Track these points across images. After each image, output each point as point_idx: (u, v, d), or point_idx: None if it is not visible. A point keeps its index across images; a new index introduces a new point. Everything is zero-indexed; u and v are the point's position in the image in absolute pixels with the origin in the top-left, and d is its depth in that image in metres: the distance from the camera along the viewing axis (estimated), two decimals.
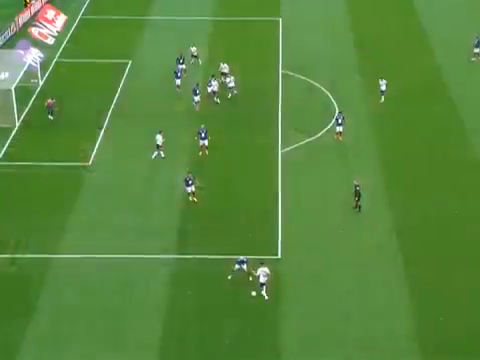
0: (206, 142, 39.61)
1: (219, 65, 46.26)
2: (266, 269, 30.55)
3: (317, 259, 32.85)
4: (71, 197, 36.40)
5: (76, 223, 34.66)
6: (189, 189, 35.65)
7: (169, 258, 32.67)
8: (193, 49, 49.08)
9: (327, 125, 42.18)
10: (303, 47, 51.65)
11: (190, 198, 35.68)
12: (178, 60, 47.06)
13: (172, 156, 39.69)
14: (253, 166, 39.23)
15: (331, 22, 55.40)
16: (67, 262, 32.33)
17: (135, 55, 50.15)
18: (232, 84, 44.66)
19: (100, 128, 39.42)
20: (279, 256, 32.92)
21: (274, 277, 31.51)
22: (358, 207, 35.28)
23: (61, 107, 43.63)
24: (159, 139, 39.20)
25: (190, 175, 35.70)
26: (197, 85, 44.08)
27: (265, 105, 44.83)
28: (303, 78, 47.81)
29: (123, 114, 43.73)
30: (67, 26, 52.13)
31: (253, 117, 43.63)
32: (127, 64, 49.23)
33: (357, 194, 35.11)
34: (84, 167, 38.65)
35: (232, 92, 44.72)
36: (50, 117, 42.54)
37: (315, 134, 41.77)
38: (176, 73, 45.53)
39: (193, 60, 48.73)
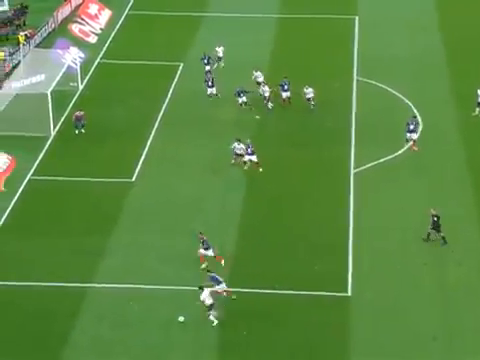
0: (254, 158, 39.83)
1: (253, 73, 46.27)
2: (207, 291, 30.79)
3: (394, 298, 32.51)
4: (111, 217, 36.96)
5: (116, 247, 35.15)
6: (208, 252, 33.44)
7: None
8: (219, 49, 49.15)
9: (409, 141, 41.89)
10: (383, 50, 51.54)
11: (203, 265, 33.44)
12: (202, 61, 47.46)
13: (225, 171, 40.04)
14: (320, 187, 39.18)
15: (416, 20, 55.16)
16: (104, 291, 32.77)
17: (188, 57, 50.78)
18: (311, 95, 44.67)
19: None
20: (349, 293, 32.74)
21: (343, 318, 31.39)
22: (442, 239, 34.87)
23: (103, 115, 44.53)
24: (238, 147, 39.81)
25: (203, 236, 33.72)
26: (242, 89, 44.41)
27: (336, 116, 44.81)
28: (382, 86, 47.64)
29: (173, 123, 44.30)
30: (112, 23, 53.14)
31: (321, 130, 43.63)
32: (178, 67, 49.92)
33: (435, 226, 34.69)
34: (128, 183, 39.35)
35: (310, 104, 44.76)
36: (81, 130, 42.94)
37: (395, 151, 41.55)
38: (207, 81, 45.67)
39: (217, 63, 48.64)
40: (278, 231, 36.18)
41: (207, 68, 47.36)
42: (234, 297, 32.00)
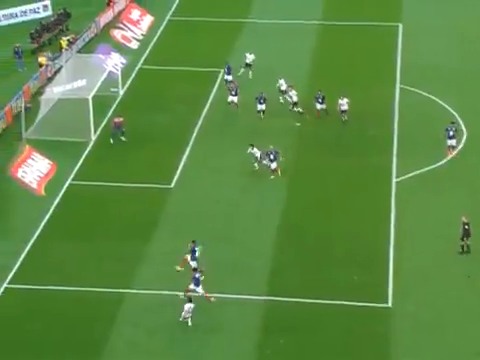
0: (274, 165, 39.70)
1: (277, 81, 45.89)
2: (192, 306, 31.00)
3: (436, 310, 32.08)
4: (150, 223, 37.06)
5: (154, 254, 35.19)
6: (192, 263, 33.11)
7: (259, 299, 32.73)
8: (250, 56, 48.66)
9: (450, 148, 41.39)
10: (427, 58, 51.07)
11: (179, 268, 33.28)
12: (224, 70, 47.34)
13: (264, 179, 39.94)
14: (361, 196, 38.89)
15: (462, 28, 54.56)
16: (142, 298, 32.84)
17: (229, 63, 50.74)
18: (345, 107, 44.02)
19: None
20: (389, 304, 32.40)
21: (383, 329, 31.05)
22: (467, 247, 34.37)
23: (143, 121, 44.75)
24: (253, 152, 40.07)
25: (194, 246, 33.40)
26: (262, 95, 44.29)
27: (377, 125, 44.48)
28: (425, 94, 47.19)
29: (213, 130, 44.32)
30: (153, 28, 53.37)
31: (362, 138, 43.33)
32: (219, 73, 49.98)
33: (466, 234, 34.27)
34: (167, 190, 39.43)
35: (343, 117, 44.17)
36: (121, 138, 42.91)
37: (437, 160, 41.09)
38: (230, 90, 45.46)
39: (244, 70, 48.17)
40: (317, 240, 35.97)
41: (229, 78, 47.24)
42: (213, 299, 32.05)
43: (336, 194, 39.06)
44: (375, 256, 34.94)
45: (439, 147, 41.89)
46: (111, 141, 43.16)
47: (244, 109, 45.70)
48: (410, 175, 40.20)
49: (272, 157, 39.87)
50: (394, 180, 39.93)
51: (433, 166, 40.77)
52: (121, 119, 43.45)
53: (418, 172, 40.36)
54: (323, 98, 44.47)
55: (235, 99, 45.23)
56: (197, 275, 32.25)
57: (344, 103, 44.08)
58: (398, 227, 36.62)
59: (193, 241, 33.71)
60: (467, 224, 34.39)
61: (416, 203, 38.31)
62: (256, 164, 40.24)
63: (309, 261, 34.71)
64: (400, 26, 55.41)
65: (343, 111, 44.24)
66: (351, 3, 59.36)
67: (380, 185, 39.68)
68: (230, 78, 47.37)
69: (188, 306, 31.11)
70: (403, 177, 40.11)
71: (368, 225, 36.85)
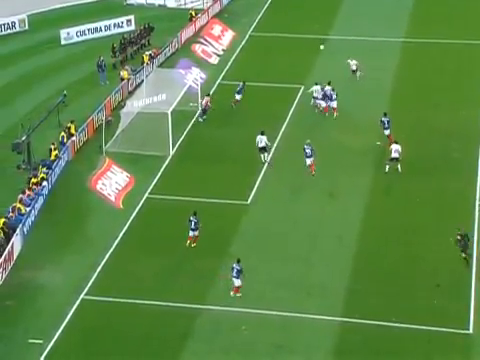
0: (310, 160, 40.53)
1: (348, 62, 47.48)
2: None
3: None
4: (225, 239, 37.10)
5: (229, 270, 35.24)
6: (192, 233, 36.14)
7: (334, 320, 32.36)
8: (352, 62, 49.39)
9: None
10: None
11: (189, 243, 36.22)
12: (238, 88, 47.39)
13: (344, 198, 39.62)
14: (442, 218, 38.14)
15: None
16: (216, 314, 32.84)
17: (308, 80, 50.68)
18: (396, 155, 40.57)
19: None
20: (471, 331, 31.59)
21: (463, 356, 30.28)
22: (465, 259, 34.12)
23: (221, 136, 45.00)
24: (260, 139, 41.19)
25: (195, 217, 36.08)
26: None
27: (463, 146, 43.67)
28: None
29: (291, 147, 44.21)
30: (234, 43, 53.79)
31: (447, 160, 42.59)
32: (299, 89, 49.95)
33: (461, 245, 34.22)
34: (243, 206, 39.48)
35: (395, 167, 41.06)
36: (200, 119, 45.37)
37: None
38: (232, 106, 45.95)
39: (359, 74, 49.02)
40: (397, 262, 35.33)
41: (238, 97, 47.27)
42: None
43: (417, 216, 38.32)
44: (456, 281, 34.13)
45: None
46: (201, 120, 45.81)
47: (322, 125, 45.47)
48: None
49: (309, 152, 40.47)
50: (478, 203, 39.08)
51: None
52: (207, 98, 44.92)
53: None
54: (389, 123, 42.49)
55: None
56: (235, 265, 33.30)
57: (396, 150, 40.44)
58: None
59: (195, 212, 35.98)
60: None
61: None
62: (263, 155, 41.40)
63: (388, 283, 34.14)
64: None
65: (394, 158, 40.46)
66: (438, 21, 58.71)
67: (463, 208, 38.85)
68: (238, 97, 47.30)
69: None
70: None
71: (449, 249, 36.05)
